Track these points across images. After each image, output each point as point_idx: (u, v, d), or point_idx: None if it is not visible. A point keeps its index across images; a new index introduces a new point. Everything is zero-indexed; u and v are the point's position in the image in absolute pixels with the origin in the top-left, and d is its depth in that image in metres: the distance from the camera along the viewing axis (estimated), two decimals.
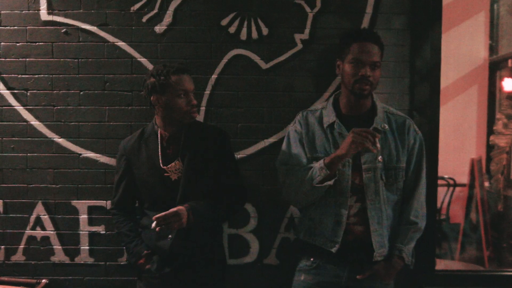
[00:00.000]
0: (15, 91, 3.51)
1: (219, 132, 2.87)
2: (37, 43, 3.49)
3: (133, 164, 2.82)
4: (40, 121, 3.52)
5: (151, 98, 2.72)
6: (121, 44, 3.48)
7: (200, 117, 3.48)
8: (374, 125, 2.61)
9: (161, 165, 2.74)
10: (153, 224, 2.50)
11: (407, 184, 2.68)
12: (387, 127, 2.63)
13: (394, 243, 2.63)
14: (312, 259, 2.66)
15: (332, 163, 2.45)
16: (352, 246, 2.58)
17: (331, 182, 2.48)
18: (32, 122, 3.52)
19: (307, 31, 3.48)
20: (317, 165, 2.49)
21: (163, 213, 2.51)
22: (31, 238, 3.58)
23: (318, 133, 2.65)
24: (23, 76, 3.50)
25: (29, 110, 3.51)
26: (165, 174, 2.73)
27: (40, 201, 3.55)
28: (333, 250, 2.56)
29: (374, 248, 2.55)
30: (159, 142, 2.77)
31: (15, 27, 3.49)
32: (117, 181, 2.91)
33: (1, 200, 3.56)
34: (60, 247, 3.57)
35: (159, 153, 2.75)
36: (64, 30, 3.48)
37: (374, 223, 2.56)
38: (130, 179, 2.85)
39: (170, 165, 2.73)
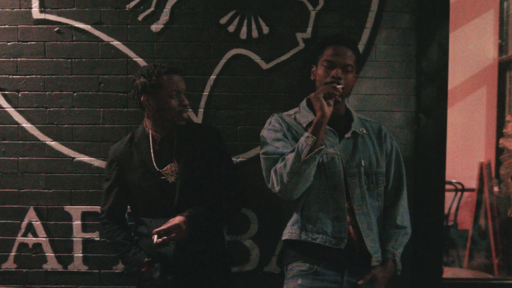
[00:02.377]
0: (6, 92, 3.50)
1: (212, 131, 2.86)
2: (29, 42, 3.48)
3: (125, 170, 2.80)
4: (32, 124, 3.51)
5: (141, 98, 2.71)
6: (116, 43, 3.47)
7: (198, 119, 3.47)
8: (352, 128, 2.67)
9: (156, 167, 2.72)
10: (154, 238, 2.51)
11: (389, 192, 2.75)
12: (365, 131, 2.71)
13: (385, 247, 2.67)
14: (308, 265, 2.64)
15: (316, 129, 2.46)
16: (347, 249, 2.58)
17: (322, 147, 2.47)
18: (23, 125, 3.51)
19: (309, 30, 3.47)
20: (302, 138, 2.49)
21: (164, 227, 2.53)
22: (23, 245, 3.57)
23: (300, 132, 2.66)
24: (14, 76, 3.50)
25: (21, 112, 3.51)
26: (161, 177, 2.72)
27: (32, 206, 3.54)
28: (342, 246, 2.55)
29: (370, 253, 2.57)
30: (151, 145, 2.76)
31: (6, 26, 3.48)
32: (108, 188, 2.87)
33: None
34: (52, 254, 3.56)
35: (152, 156, 2.74)
36: (57, 28, 3.48)
37: (365, 229, 2.59)
38: (123, 186, 2.83)
39: (166, 167, 2.72)
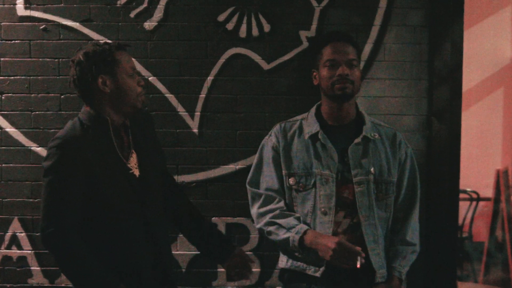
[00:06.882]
0: None
1: (148, 115, 2.71)
2: (13, 41, 3.48)
3: (87, 164, 2.34)
4: (16, 128, 3.51)
5: (98, 81, 2.36)
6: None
7: (194, 123, 3.47)
8: (363, 133, 2.62)
9: (123, 160, 2.43)
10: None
11: (400, 204, 2.69)
12: (377, 136, 2.66)
13: (391, 264, 2.62)
14: (305, 284, 2.63)
15: (309, 249, 2.49)
16: (345, 269, 2.54)
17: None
18: (7, 129, 3.50)
19: (313, 27, 3.47)
20: (294, 234, 2.50)
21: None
22: (6, 258, 3.55)
23: (297, 146, 2.64)
24: None
25: (4, 116, 3.50)
26: (129, 171, 2.44)
27: (16, 217, 3.53)
28: (318, 274, 2.52)
29: (375, 268, 2.53)
30: (112, 134, 2.43)
31: None
32: (68, 192, 2.30)
33: None
34: (38, 268, 3.55)
35: (116, 147, 2.43)
36: (43, 26, 3.47)
37: (371, 242, 2.55)
38: (87, 186, 2.35)
39: (130, 159, 2.46)
